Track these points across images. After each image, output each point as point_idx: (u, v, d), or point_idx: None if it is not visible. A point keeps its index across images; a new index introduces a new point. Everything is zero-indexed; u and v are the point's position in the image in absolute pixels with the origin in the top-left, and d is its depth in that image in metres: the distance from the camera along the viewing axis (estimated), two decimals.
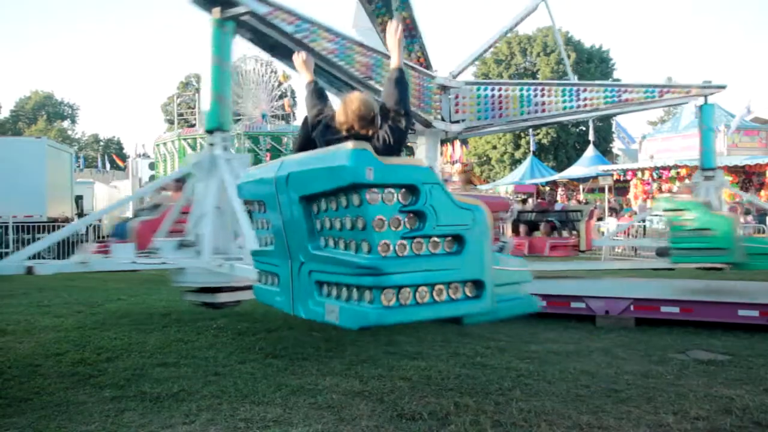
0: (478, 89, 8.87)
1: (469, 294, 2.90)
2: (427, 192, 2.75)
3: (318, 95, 3.87)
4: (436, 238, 2.82)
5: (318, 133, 3.64)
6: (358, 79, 7.38)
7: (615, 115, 10.78)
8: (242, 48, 31.38)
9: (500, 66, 45.23)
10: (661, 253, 9.21)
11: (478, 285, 2.91)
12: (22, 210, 15.96)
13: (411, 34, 8.51)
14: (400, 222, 2.73)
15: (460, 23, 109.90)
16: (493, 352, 5.40)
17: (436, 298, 2.80)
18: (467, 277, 2.88)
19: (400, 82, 3.49)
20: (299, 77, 4.13)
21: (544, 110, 8.99)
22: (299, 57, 4.08)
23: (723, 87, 9.71)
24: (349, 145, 2.76)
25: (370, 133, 3.37)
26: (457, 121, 8.67)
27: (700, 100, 9.68)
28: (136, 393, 4.26)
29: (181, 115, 44.51)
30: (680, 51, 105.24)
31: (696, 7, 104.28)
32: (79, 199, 22.42)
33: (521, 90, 8.97)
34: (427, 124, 8.47)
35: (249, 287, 5.00)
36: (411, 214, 2.76)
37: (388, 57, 7.30)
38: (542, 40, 44.81)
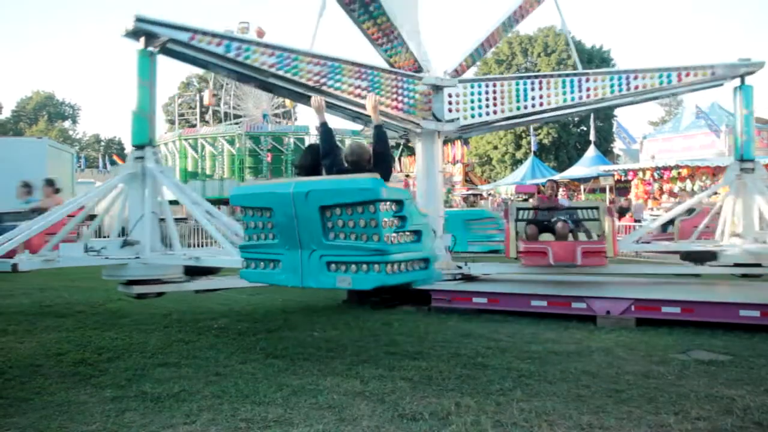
0: (472, 86, 8.56)
1: (422, 267, 4.49)
2: (407, 204, 4.28)
3: (329, 135, 5.26)
4: (409, 232, 4.35)
5: (329, 163, 5.12)
6: (308, 86, 7.57)
7: (625, 105, 9.52)
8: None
9: (501, 66, 45.28)
10: (696, 257, 8.36)
11: (426, 261, 4.51)
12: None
13: (395, 37, 8.42)
14: (394, 222, 4.19)
15: (467, 22, 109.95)
16: (494, 353, 5.40)
17: (408, 269, 4.37)
18: (422, 256, 4.46)
19: (380, 134, 5.19)
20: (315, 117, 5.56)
21: (541, 104, 8.51)
22: (316, 101, 5.34)
23: (761, 64, 8.45)
24: (368, 174, 4.29)
25: (367, 167, 4.92)
26: (451, 121, 8.43)
27: (735, 82, 8.54)
28: (137, 393, 4.27)
29: (182, 115, 44.55)
30: (681, 51, 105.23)
31: (696, 7, 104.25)
32: None
33: (517, 84, 8.57)
34: (415, 126, 8.45)
35: (175, 281, 6.59)
36: (398, 218, 4.23)
37: (347, 62, 7.70)
38: (543, 41, 44.83)
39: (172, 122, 47.68)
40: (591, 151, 32.77)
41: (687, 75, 8.49)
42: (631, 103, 9.28)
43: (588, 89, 8.56)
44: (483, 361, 5.12)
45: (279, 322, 7.02)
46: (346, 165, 5.11)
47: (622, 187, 28.92)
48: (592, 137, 33.66)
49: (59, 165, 18.32)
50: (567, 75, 8.77)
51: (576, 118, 44.98)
